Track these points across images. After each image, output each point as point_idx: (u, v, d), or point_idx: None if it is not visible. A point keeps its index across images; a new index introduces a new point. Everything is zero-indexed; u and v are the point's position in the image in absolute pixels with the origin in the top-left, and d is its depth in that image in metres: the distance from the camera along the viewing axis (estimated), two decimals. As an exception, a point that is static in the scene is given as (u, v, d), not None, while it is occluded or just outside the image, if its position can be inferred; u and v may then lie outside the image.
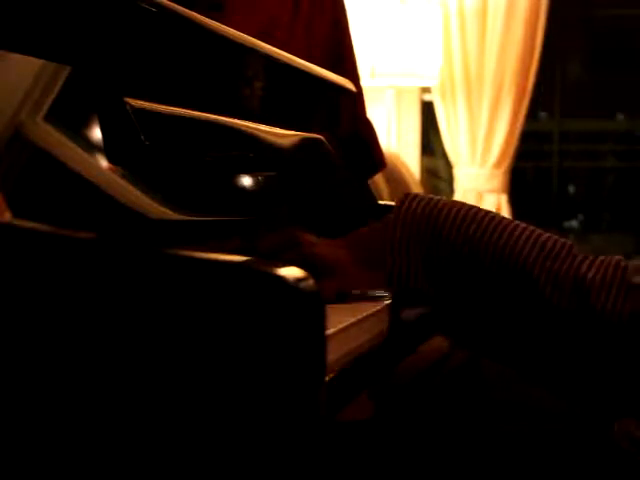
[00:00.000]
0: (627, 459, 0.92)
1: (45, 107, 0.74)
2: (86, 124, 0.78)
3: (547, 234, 0.79)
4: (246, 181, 1.01)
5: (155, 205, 0.79)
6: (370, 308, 0.83)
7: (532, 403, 1.15)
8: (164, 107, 0.91)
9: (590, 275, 0.76)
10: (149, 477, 0.57)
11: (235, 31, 1.03)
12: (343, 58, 1.57)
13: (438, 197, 0.81)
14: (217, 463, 0.56)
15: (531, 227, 0.80)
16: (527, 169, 4.28)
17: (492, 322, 0.79)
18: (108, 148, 0.78)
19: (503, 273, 0.77)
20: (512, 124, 3.54)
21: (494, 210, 3.51)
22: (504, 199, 3.58)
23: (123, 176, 0.78)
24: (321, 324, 0.57)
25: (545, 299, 0.76)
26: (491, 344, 0.81)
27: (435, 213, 0.78)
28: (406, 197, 0.80)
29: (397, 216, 0.79)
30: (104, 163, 0.77)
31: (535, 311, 0.77)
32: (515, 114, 3.54)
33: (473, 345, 0.84)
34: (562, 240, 0.79)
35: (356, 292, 0.85)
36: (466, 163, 3.60)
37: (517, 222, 0.80)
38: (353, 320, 0.74)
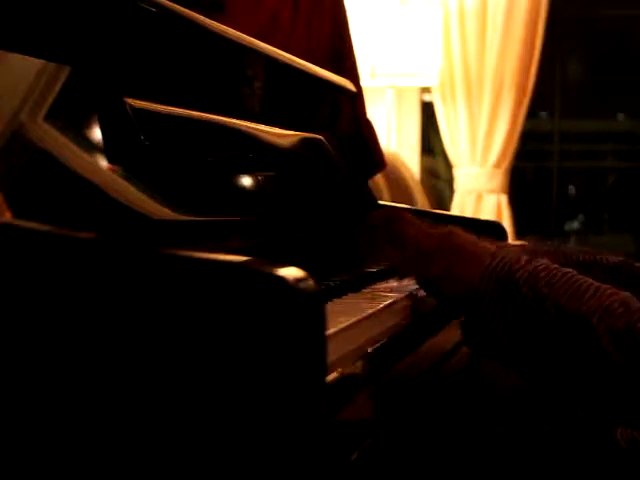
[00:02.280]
0: (627, 459, 0.92)
1: (45, 107, 0.74)
2: (86, 124, 0.78)
3: (611, 289, 0.82)
4: (246, 181, 1.00)
5: (155, 205, 0.79)
6: (371, 308, 0.83)
7: (532, 404, 1.15)
8: (164, 107, 0.90)
9: None
10: (149, 477, 0.57)
11: (235, 31, 1.03)
12: (343, 58, 1.57)
13: (522, 258, 0.86)
14: (217, 463, 0.56)
15: (597, 284, 0.83)
16: (527, 169, 4.28)
17: (548, 368, 0.84)
18: (108, 148, 0.78)
19: (567, 329, 0.81)
20: (512, 124, 3.54)
21: (494, 211, 3.53)
22: (504, 199, 3.58)
23: (123, 176, 0.78)
24: (321, 324, 0.57)
25: (607, 356, 0.79)
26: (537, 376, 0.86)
27: (516, 275, 0.84)
28: (494, 258, 0.86)
29: (484, 273, 0.85)
30: (104, 163, 0.77)
31: (595, 365, 0.80)
32: (515, 114, 3.53)
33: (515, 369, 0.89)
34: (622, 295, 0.82)
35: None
36: (466, 163, 3.60)
37: (587, 280, 0.83)
38: (354, 320, 0.74)
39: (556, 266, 0.85)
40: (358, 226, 1.02)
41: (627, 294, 0.82)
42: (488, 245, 0.89)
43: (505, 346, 0.84)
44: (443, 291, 0.89)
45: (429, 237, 0.92)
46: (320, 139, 1.30)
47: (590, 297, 0.81)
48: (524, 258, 0.86)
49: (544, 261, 0.86)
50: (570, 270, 0.85)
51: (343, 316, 0.75)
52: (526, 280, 0.83)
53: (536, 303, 0.82)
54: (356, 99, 1.50)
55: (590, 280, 0.83)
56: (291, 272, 0.56)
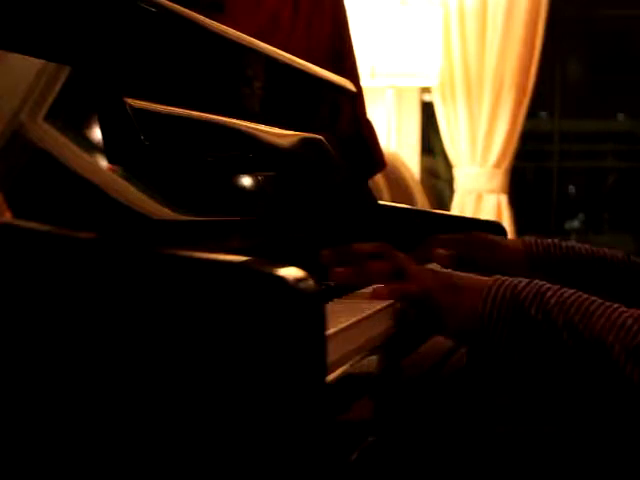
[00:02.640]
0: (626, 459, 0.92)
1: (45, 107, 0.74)
2: (86, 124, 0.78)
3: (621, 307, 0.82)
4: (246, 181, 1.00)
5: (155, 205, 0.79)
6: (371, 308, 0.83)
7: (532, 404, 1.15)
8: (164, 107, 0.90)
9: None
10: (149, 477, 0.57)
11: (235, 31, 1.03)
12: (343, 58, 1.57)
13: (523, 280, 0.86)
14: (218, 464, 0.56)
15: (607, 303, 0.82)
16: (527, 169, 4.28)
17: (562, 389, 0.84)
18: (108, 148, 0.78)
19: (581, 349, 0.80)
20: (512, 124, 3.54)
21: (494, 211, 3.52)
22: (504, 200, 3.58)
23: (123, 176, 0.78)
24: (321, 324, 0.57)
25: (624, 374, 0.78)
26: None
27: (521, 295, 0.84)
28: (495, 282, 0.86)
29: (487, 297, 0.85)
30: (104, 163, 0.77)
31: (612, 385, 0.80)
32: (515, 114, 3.53)
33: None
34: (633, 312, 0.81)
35: None
36: (466, 163, 3.60)
37: (595, 299, 0.83)
38: (354, 320, 0.74)
39: (559, 286, 0.85)
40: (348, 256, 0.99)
41: (638, 311, 0.81)
42: (484, 279, 0.88)
43: (514, 367, 0.84)
44: (450, 326, 0.88)
45: (428, 275, 0.91)
46: (320, 139, 1.30)
47: (600, 316, 0.80)
48: (524, 280, 0.85)
49: (544, 282, 0.86)
50: (575, 290, 0.84)
51: (343, 316, 0.75)
52: (532, 301, 0.83)
53: (547, 324, 0.81)
54: (356, 99, 1.50)
55: (598, 299, 0.83)
56: (291, 272, 0.56)
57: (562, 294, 0.83)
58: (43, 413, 0.58)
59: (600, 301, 0.82)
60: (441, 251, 1.14)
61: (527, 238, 1.18)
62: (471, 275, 0.90)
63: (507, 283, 0.85)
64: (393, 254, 0.94)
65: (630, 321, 0.79)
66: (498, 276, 0.87)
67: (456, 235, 1.21)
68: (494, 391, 1.18)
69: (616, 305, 0.82)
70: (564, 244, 1.17)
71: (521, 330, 0.83)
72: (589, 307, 0.81)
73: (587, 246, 1.15)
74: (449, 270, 0.92)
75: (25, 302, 0.58)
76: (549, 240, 1.17)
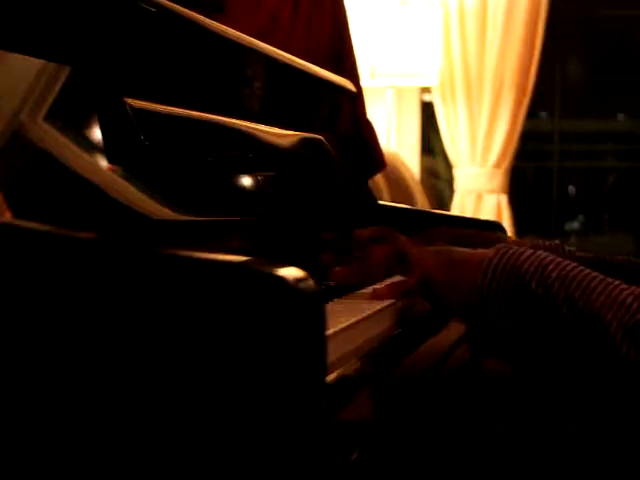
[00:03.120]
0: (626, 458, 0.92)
1: (45, 107, 0.74)
2: (86, 124, 0.78)
3: (622, 284, 0.81)
4: (246, 181, 1.00)
5: (155, 205, 0.79)
6: (370, 308, 0.83)
7: (532, 403, 1.15)
8: (164, 107, 0.90)
9: None
10: (149, 477, 0.57)
11: (235, 31, 1.03)
12: (343, 58, 1.57)
13: (526, 250, 0.84)
14: (218, 464, 0.56)
15: (610, 280, 0.81)
16: (527, 169, 4.27)
17: (559, 366, 0.83)
18: (108, 148, 0.78)
19: (580, 325, 0.80)
20: (512, 124, 3.54)
21: (494, 211, 3.52)
22: (504, 200, 3.58)
23: (123, 176, 0.78)
24: (321, 324, 0.57)
25: (621, 352, 0.77)
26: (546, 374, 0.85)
27: (523, 267, 0.83)
28: (498, 251, 0.85)
29: (488, 267, 0.84)
30: (104, 163, 0.77)
31: (607, 362, 0.79)
32: (515, 114, 3.53)
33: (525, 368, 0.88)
34: (634, 289, 0.80)
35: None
36: (466, 163, 3.60)
37: (597, 275, 0.82)
38: (353, 320, 0.74)
39: (562, 259, 0.84)
40: (351, 244, 0.99)
41: (637, 288, 0.80)
42: (487, 250, 0.87)
43: (512, 342, 0.83)
44: (452, 302, 0.87)
45: (429, 255, 0.90)
46: (320, 139, 1.30)
47: (600, 293, 0.79)
48: (528, 250, 0.84)
49: (547, 253, 0.85)
50: (577, 264, 0.84)
51: (343, 316, 0.75)
52: (533, 274, 0.82)
53: (547, 299, 0.80)
54: (356, 99, 1.51)
55: (599, 274, 0.82)
56: (291, 272, 0.56)
57: (564, 267, 0.82)
58: (43, 413, 0.58)
59: (601, 277, 0.81)
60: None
61: (531, 239, 1.18)
62: (473, 250, 0.89)
63: (509, 254, 0.84)
64: (394, 236, 0.94)
65: (630, 299, 0.78)
66: (500, 245, 0.86)
67: (464, 230, 1.21)
68: (495, 389, 1.18)
69: (617, 282, 0.81)
70: (567, 247, 1.16)
71: (520, 302, 0.82)
72: (590, 283, 0.80)
73: (589, 254, 1.15)
74: (450, 247, 0.91)
75: (25, 302, 0.58)
76: (552, 242, 1.17)
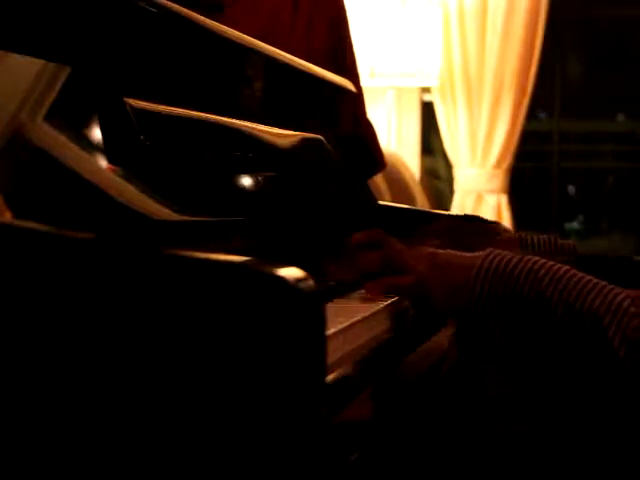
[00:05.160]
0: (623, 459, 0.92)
1: (45, 107, 0.74)
2: (86, 124, 0.78)
3: (615, 288, 0.81)
4: (246, 181, 1.00)
5: (155, 205, 0.79)
6: (370, 309, 0.83)
7: (528, 403, 1.15)
8: (164, 107, 0.90)
9: None
10: (149, 477, 0.57)
11: (235, 31, 1.03)
12: (343, 58, 1.57)
13: (515, 256, 0.85)
14: (218, 464, 0.56)
15: (602, 283, 0.82)
16: (527, 169, 4.27)
17: (553, 368, 0.83)
18: (108, 148, 0.78)
19: (575, 328, 0.80)
20: (512, 124, 3.54)
21: (494, 212, 3.52)
22: (504, 200, 3.58)
23: (123, 176, 0.78)
24: (321, 324, 0.57)
25: (617, 355, 0.77)
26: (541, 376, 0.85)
27: (514, 273, 0.83)
28: (487, 256, 0.85)
29: (478, 272, 0.84)
30: (104, 163, 0.77)
31: (602, 365, 0.79)
32: (515, 114, 3.54)
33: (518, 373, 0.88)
34: (627, 292, 0.80)
35: None
36: (466, 163, 3.60)
37: (589, 277, 0.82)
38: (354, 320, 0.74)
39: (552, 263, 0.84)
40: (342, 249, 0.98)
41: (630, 291, 0.80)
42: (477, 253, 0.87)
43: (503, 346, 0.83)
44: (444, 305, 0.87)
45: (421, 260, 0.90)
46: (320, 139, 1.30)
47: (596, 295, 0.80)
48: (516, 256, 0.84)
49: (537, 258, 0.85)
50: (568, 267, 0.84)
51: (343, 316, 0.75)
52: (525, 278, 0.82)
53: (540, 302, 0.81)
54: (356, 99, 1.51)
55: (591, 277, 0.82)
56: (291, 272, 0.56)
57: (556, 271, 0.82)
58: (44, 413, 0.58)
59: (594, 280, 0.81)
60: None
61: (524, 234, 1.18)
62: (466, 253, 0.89)
63: (499, 258, 0.84)
64: (385, 241, 0.93)
65: (627, 302, 0.79)
66: (491, 249, 0.86)
67: (456, 221, 1.21)
68: (494, 390, 1.18)
69: (610, 285, 0.81)
70: (560, 242, 1.16)
71: (512, 308, 0.82)
72: (584, 287, 0.81)
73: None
74: (444, 250, 0.91)
75: (25, 302, 0.58)
76: (546, 236, 1.17)
